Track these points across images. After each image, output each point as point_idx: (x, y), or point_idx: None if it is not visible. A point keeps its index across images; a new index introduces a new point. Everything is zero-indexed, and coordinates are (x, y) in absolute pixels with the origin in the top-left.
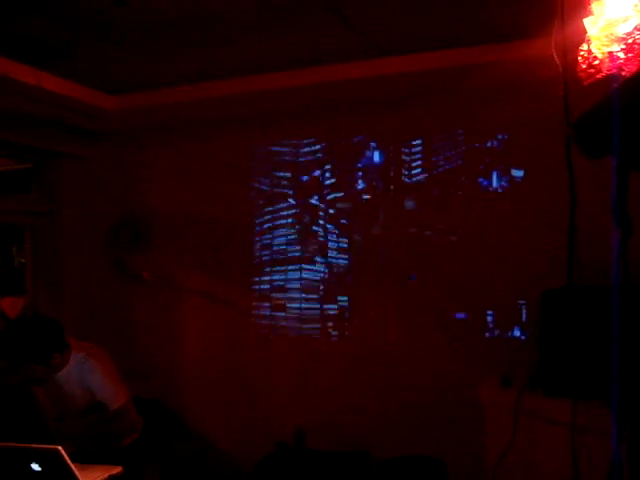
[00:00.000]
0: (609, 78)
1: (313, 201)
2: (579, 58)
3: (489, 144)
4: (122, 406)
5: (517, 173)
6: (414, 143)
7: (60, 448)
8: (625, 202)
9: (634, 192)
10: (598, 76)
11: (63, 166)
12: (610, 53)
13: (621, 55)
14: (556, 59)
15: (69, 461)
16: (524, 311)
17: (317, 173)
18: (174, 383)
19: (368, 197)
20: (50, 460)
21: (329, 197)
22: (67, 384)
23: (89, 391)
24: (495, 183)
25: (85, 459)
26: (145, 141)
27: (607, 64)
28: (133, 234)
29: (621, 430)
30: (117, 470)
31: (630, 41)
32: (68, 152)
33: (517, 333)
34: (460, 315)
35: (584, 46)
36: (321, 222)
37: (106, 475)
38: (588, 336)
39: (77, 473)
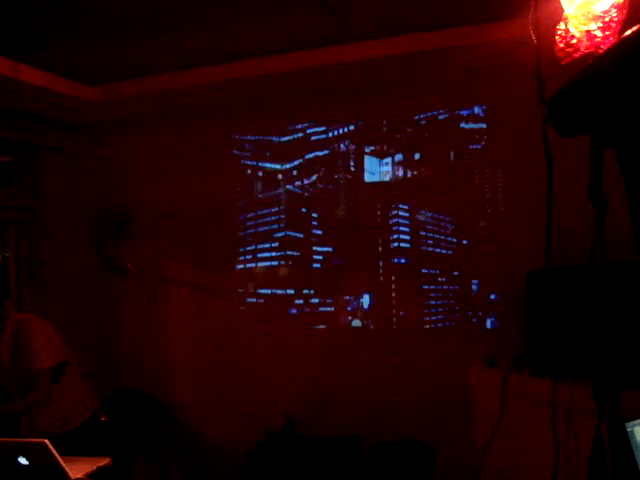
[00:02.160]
0: (587, 57)
1: (297, 188)
2: (557, 37)
3: (471, 126)
4: (45, 369)
5: (500, 153)
6: (399, 126)
7: (47, 441)
8: (600, 180)
9: (610, 169)
10: (576, 55)
11: (44, 159)
12: (587, 32)
13: (598, 33)
14: (533, 38)
15: (56, 454)
16: (505, 294)
17: (300, 160)
18: (161, 374)
19: (351, 181)
20: (37, 453)
21: (313, 183)
22: None
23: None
24: (476, 163)
25: (72, 451)
26: (126, 131)
27: (585, 43)
28: (116, 226)
29: (602, 407)
30: (105, 461)
31: (607, 19)
32: (48, 145)
33: (502, 315)
34: (441, 304)
35: (561, 25)
36: (304, 209)
37: (94, 467)
38: (573, 315)
39: (65, 465)
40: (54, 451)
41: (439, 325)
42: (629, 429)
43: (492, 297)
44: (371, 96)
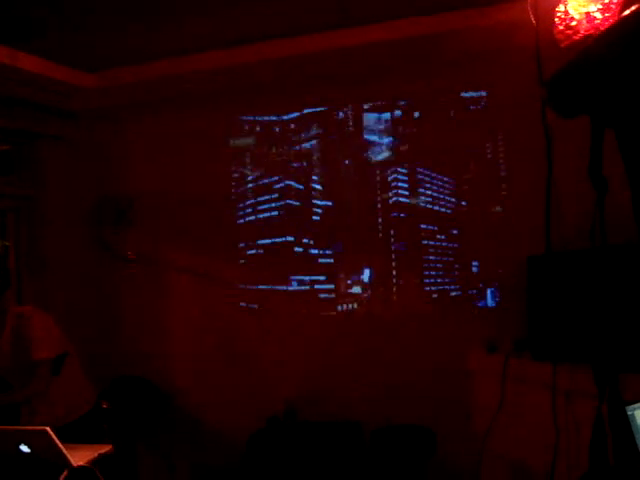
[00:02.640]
0: (586, 39)
1: (298, 174)
2: (556, 19)
3: (470, 109)
4: (44, 359)
5: (499, 137)
6: (396, 114)
7: (48, 429)
8: (600, 161)
9: (611, 150)
10: (575, 37)
11: (43, 147)
12: (587, 13)
13: (598, 15)
14: (532, 20)
15: (58, 441)
16: (506, 278)
17: (300, 146)
18: (162, 361)
19: (353, 168)
20: (39, 441)
21: (314, 170)
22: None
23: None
24: (474, 149)
25: (74, 439)
26: (125, 118)
27: (584, 25)
28: (116, 213)
29: (602, 391)
30: (107, 449)
31: (607, 0)
32: (48, 133)
33: (502, 299)
34: (441, 289)
35: (561, 7)
36: (306, 196)
37: (96, 454)
38: (573, 300)
39: (67, 453)
40: (56, 438)
41: (439, 309)
42: (629, 412)
43: (493, 281)
44: (371, 80)
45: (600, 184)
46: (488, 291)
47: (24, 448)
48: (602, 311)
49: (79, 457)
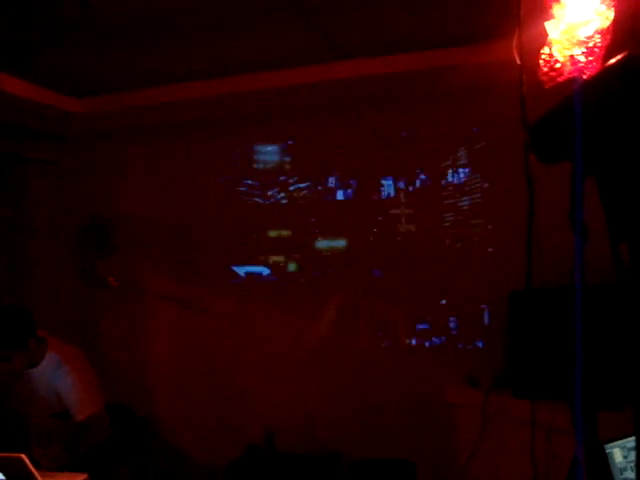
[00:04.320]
0: (570, 81)
1: (284, 202)
2: (541, 61)
3: (452, 147)
4: (90, 416)
5: (481, 176)
6: (380, 147)
7: (24, 456)
8: (581, 208)
9: (591, 196)
10: (559, 79)
11: (29, 170)
12: (571, 56)
13: (582, 59)
14: (517, 61)
15: (33, 469)
16: (488, 314)
17: (286, 177)
18: (142, 387)
19: (340, 198)
20: (14, 468)
21: (301, 197)
22: (37, 384)
23: (57, 396)
24: (459, 185)
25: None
26: (112, 144)
27: (568, 67)
28: (100, 239)
29: (580, 429)
30: (82, 477)
31: (591, 44)
32: (34, 156)
33: (482, 336)
34: (423, 324)
35: (546, 49)
36: (293, 225)
37: None
38: (554, 337)
39: None
40: (31, 466)
41: (421, 343)
42: (608, 450)
43: (475, 316)
44: (353, 114)
45: (580, 230)
46: (471, 326)
47: None
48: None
49: None
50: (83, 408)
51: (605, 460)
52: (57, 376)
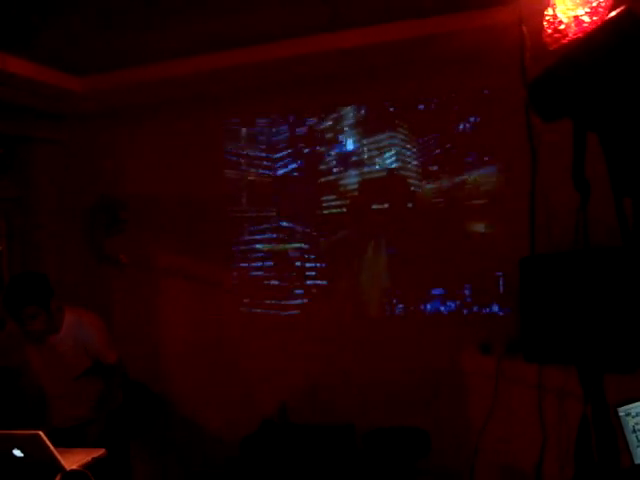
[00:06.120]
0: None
1: (290, 175)
2: (545, 23)
3: (455, 114)
4: (116, 361)
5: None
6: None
7: (41, 433)
8: (583, 165)
9: (594, 153)
10: (564, 41)
11: (35, 150)
12: (575, 17)
13: (586, 19)
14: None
15: (51, 445)
16: (502, 280)
17: (291, 149)
18: (156, 364)
19: (341, 172)
20: (32, 445)
21: (305, 172)
22: (63, 348)
23: (84, 348)
24: (464, 153)
25: (67, 443)
26: (117, 122)
27: (573, 28)
28: (109, 217)
29: (587, 392)
30: (100, 452)
31: (595, 4)
32: (39, 136)
33: (494, 302)
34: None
35: (549, 10)
36: (298, 198)
37: (89, 458)
38: (562, 301)
39: (59, 457)
40: (48, 443)
41: (434, 310)
42: (621, 414)
43: (489, 283)
44: (354, 83)
45: (583, 188)
46: (484, 291)
47: (17, 452)
48: (587, 313)
49: (72, 461)
50: (111, 352)
51: (610, 421)
52: (81, 331)
